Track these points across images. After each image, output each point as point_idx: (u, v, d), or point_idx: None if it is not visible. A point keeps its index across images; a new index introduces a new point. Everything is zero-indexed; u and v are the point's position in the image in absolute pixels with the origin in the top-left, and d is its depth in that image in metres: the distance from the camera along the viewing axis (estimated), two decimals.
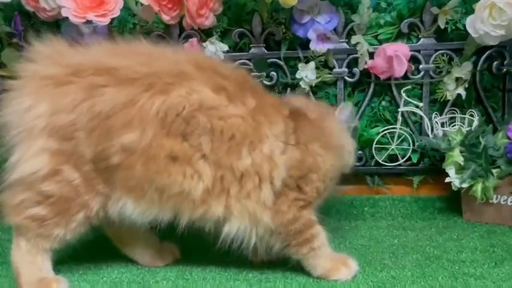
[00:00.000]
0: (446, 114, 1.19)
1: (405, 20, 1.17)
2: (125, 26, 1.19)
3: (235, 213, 0.82)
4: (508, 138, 1.07)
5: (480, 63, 1.17)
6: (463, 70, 1.15)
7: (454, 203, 1.19)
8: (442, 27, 1.15)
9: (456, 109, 1.19)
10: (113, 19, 1.10)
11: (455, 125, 1.17)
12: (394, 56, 1.14)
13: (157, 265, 0.94)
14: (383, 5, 1.19)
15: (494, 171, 1.07)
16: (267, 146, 0.82)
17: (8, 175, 0.82)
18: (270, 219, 0.83)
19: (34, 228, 0.82)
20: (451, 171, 1.09)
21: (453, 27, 1.14)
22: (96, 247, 0.98)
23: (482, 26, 0.99)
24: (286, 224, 0.84)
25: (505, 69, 1.18)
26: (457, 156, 1.08)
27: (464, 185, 1.08)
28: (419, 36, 1.18)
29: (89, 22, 1.08)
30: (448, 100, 1.18)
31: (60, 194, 0.81)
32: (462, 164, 1.08)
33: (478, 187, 1.07)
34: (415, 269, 0.90)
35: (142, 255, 0.94)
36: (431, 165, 1.22)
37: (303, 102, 0.94)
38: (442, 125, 1.18)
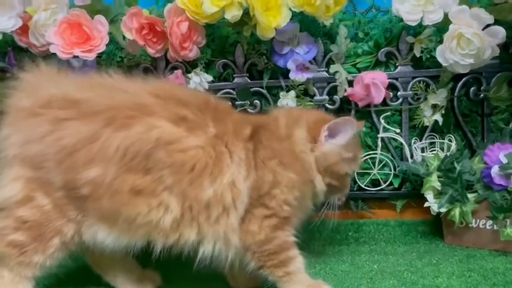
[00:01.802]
0: (425, 140, 1.22)
1: (382, 49, 1.21)
2: (112, 59, 1.24)
3: (209, 237, 0.85)
4: (485, 163, 1.09)
5: (457, 89, 1.21)
6: (439, 97, 1.18)
7: (436, 227, 1.21)
8: (418, 55, 1.18)
9: (435, 134, 1.22)
10: (100, 53, 1.15)
11: (434, 150, 1.19)
12: (371, 84, 1.17)
13: None
14: (360, 35, 1.23)
15: (471, 195, 1.09)
16: (228, 176, 0.84)
17: None
18: (238, 240, 0.86)
19: (15, 256, 0.85)
20: (429, 196, 1.11)
21: (428, 56, 1.18)
22: (79, 276, 1.00)
23: (451, 55, 1.02)
24: (259, 244, 0.87)
25: (482, 95, 1.21)
26: (434, 181, 1.10)
27: (443, 210, 1.09)
28: (397, 64, 1.22)
29: (76, 57, 1.13)
30: (427, 126, 1.21)
31: (34, 219, 0.85)
32: (440, 189, 1.10)
33: (456, 212, 1.08)
34: None
35: (123, 283, 0.97)
36: (413, 189, 1.24)
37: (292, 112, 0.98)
38: (422, 150, 1.21)
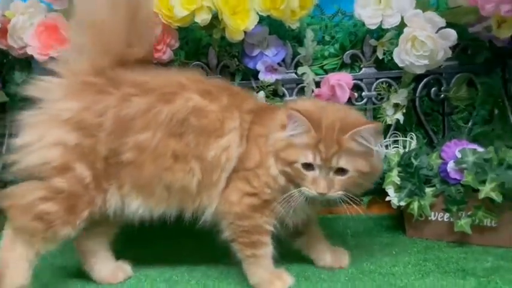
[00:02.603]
0: (389, 138, 1.28)
1: (347, 52, 1.27)
2: None
3: (214, 200, 0.94)
4: (442, 158, 1.15)
5: (419, 89, 1.27)
6: (400, 96, 1.24)
7: (399, 221, 1.26)
8: (380, 57, 1.24)
9: (398, 132, 1.27)
10: None
11: (397, 147, 1.25)
12: (336, 85, 1.23)
13: (111, 282, 1.01)
14: (327, 38, 1.30)
15: (429, 189, 1.14)
16: (225, 140, 0.93)
17: (14, 160, 0.88)
18: (217, 204, 0.94)
19: (41, 230, 0.88)
20: (390, 190, 1.17)
21: (389, 58, 1.24)
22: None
23: (407, 57, 1.08)
24: (235, 216, 0.93)
25: (442, 95, 1.27)
26: (394, 176, 1.16)
27: (402, 203, 1.15)
28: (361, 66, 1.28)
29: (53, 58, 1.18)
30: (390, 124, 1.27)
31: (71, 190, 0.89)
32: (399, 183, 1.15)
33: (415, 205, 1.14)
34: (347, 282, 0.97)
35: (99, 271, 1.02)
36: (378, 185, 1.29)
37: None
38: (386, 147, 1.27)
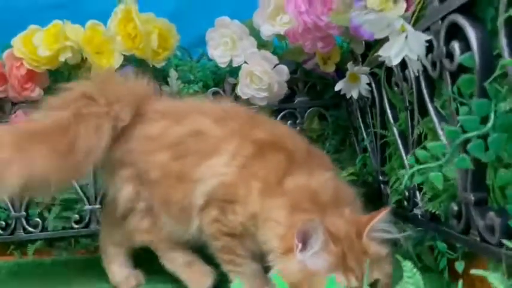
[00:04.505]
0: None
1: (210, 89, 1.39)
2: None
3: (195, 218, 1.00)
4: None
5: None
6: None
7: None
8: (238, 94, 1.37)
9: None
10: None
11: None
12: None
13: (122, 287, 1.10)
14: (192, 77, 1.41)
15: None
16: (214, 160, 0.94)
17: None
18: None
19: (152, 239, 1.04)
20: None
21: None
22: None
23: (248, 90, 1.21)
24: (208, 236, 0.96)
25: (298, 127, 1.40)
26: None
27: None
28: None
29: None
30: None
31: (144, 207, 1.03)
32: None
33: None
34: None
35: (114, 274, 1.12)
36: None
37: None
38: None
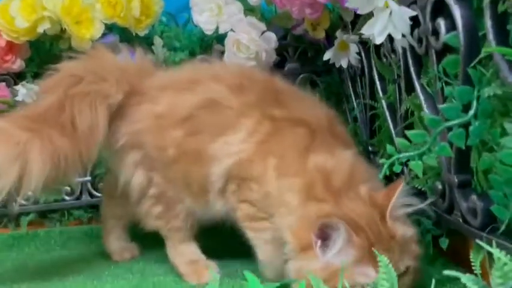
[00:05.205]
0: None
1: (197, 57, 1.34)
2: None
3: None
4: None
5: None
6: None
7: None
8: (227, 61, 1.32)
9: None
10: None
11: None
12: None
13: (117, 259, 1.13)
14: (178, 44, 1.36)
15: None
16: (229, 137, 0.89)
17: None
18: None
19: (164, 226, 0.99)
20: None
21: None
22: None
23: (235, 59, 1.17)
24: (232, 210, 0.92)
25: None
26: None
27: None
28: None
29: None
30: None
31: (159, 191, 0.98)
32: None
33: None
34: None
35: (109, 244, 1.14)
36: None
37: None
38: None
